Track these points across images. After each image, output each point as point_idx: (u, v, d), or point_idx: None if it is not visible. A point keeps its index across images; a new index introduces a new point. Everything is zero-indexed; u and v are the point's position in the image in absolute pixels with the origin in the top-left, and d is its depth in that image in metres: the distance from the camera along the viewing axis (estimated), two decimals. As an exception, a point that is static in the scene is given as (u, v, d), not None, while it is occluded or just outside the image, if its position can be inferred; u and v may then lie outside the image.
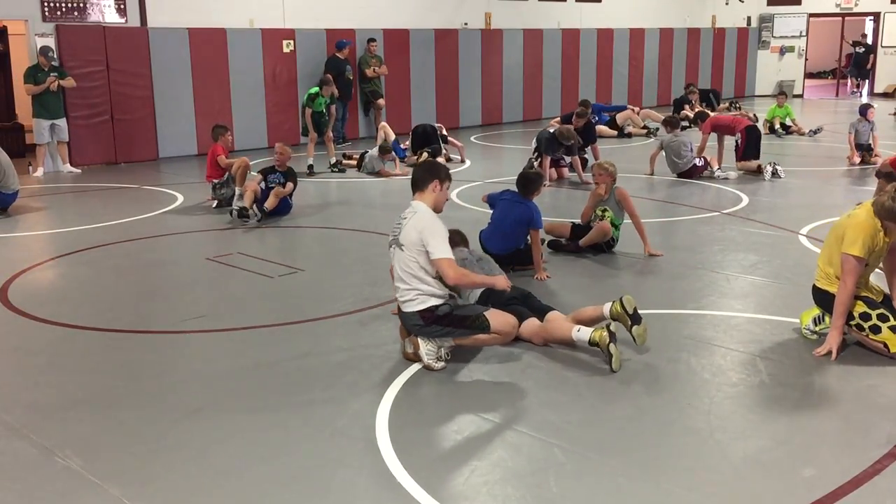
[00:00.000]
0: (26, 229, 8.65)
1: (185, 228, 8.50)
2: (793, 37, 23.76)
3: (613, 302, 4.97)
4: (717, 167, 11.14)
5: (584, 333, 4.82)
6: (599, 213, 7.19)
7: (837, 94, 24.39)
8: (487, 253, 6.35)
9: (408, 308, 4.78)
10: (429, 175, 4.89)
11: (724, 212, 8.96)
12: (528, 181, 6.67)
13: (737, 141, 11.52)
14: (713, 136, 11.71)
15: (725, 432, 3.98)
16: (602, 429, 4.00)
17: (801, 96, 23.66)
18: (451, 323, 4.77)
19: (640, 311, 4.95)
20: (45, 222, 8.92)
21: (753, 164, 11.23)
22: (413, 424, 4.06)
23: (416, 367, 4.73)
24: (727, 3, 22.34)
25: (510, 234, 6.57)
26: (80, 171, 12.14)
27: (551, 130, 10.77)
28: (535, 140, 11.15)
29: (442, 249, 4.68)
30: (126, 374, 4.75)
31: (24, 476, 3.63)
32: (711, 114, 14.57)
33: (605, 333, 4.71)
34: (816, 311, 5.15)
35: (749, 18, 23.65)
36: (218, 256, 7.30)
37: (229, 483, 3.55)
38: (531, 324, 5.05)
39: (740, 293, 6.19)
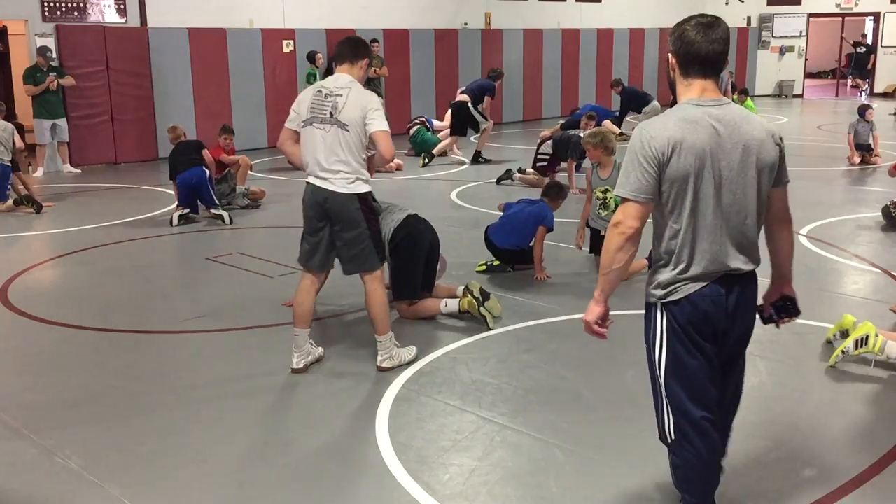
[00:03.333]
0: (26, 229, 8.65)
1: (185, 228, 8.49)
2: (793, 37, 23.75)
3: (465, 288, 5.42)
4: None
5: (452, 305, 5.25)
6: (600, 194, 6.66)
7: (837, 94, 24.39)
8: (491, 246, 6.56)
9: (350, 189, 4.44)
10: (362, 49, 4.63)
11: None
12: (557, 188, 6.67)
13: None
14: None
15: (725, 432, 3.97)
16: (602, 429, 4.00)
17: (801, 96, 23.66)
18: (373, 213, 4.61)
19: (637, 312, 4.96)
20: (45, 222, 8.91)
21: None
22: (413, 424, 4.06)
23: (416, 366, 4.73)
24: (727, 3, 22.35)
25: (521, 230, 6.47)
26: (79, 171, 12.14)
27: (579, 133, 10.59)
28: (549, 144, 10.65)
29: (384, 122, 4.46)
30: (126, 374, 4.74)
31: (25, 476, 3.62)
32: None
33: (472, 300, 5.17)
34: (844, 325, 4.84)
35: (749, 18, 23.64)
36: (217, 256, 7.30)
37: (229, 483, 3.55)
38: (401, 305, 5.40)
39: (740, 293, 6.17)
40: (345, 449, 3.84)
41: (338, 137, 4.41)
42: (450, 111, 12.79)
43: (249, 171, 9.93)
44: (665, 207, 2.75)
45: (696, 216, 2.72)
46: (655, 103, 15.73)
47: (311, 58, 13.20)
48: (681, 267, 2.77)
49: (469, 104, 12.25)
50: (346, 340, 5.25)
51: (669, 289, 2.80)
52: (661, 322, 2.84)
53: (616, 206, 6.40)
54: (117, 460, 3.75)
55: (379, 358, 4.70)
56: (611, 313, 3.00)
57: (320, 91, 4.50)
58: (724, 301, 2.77)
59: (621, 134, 14.72)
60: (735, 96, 15.91)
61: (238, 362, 4.90)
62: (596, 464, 3.65)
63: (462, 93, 12.63)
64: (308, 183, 4.56)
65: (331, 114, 4.41)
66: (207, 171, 8.79)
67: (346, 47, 4.60)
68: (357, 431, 3.99)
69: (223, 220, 8.58)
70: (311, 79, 12.82)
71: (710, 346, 2.83)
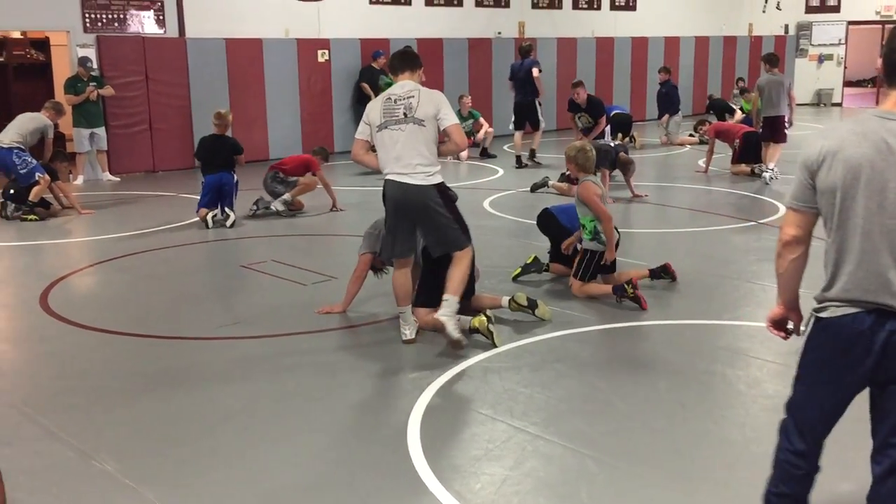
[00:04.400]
0: (66, 236, 8.80)
1: (220, 236, 8.59)
2: (831, 45, 23.43)
3: (510, 300, 5.56)
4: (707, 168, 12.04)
5: (464, 321, 5.21)
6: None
7: (877, 103, 23.99)
8: (551, 219, 6.61)
9: (428, 181, 4.91)
10: (418, 60, 5.20)
11: (761, 221, 8.85)
12: None
13: (734, 146, 12.01)
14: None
15: (761, 444, 3.91)
16: (635, 439, 3.97)
17: (840, 105, 23.33)
18: (450, 200, 5.07)
19: (671, 322, 4.95)
20: (84, 229, 9.07)
21: (746, 168, 11.69)
22: (445, 432, 4.06)
23: (448, 374, 4.73)
24: (764, 11, 22.14)
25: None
26: (118, 179, 12.33)
27: (610, 143, 10.72)
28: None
29: (455, 117, 5.03)
30: (161, 379, 4.80)
31: (61, 479, 3.68)
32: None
33: (483, 318, 5.15)
34: None
35: (787, 26, 23.38)
36: (252, 264, 7.36)
37: (262, 488, 3.57)
38: (420, 312, 5.37)
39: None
40: (376, 456, 3.84)
41: (415, 133, 4.89)
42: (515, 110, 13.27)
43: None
44: (823, 219, 2.64)
45: (843, 235, 2.53)
46: (677, 118, 15.51)
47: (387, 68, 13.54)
48: (826, 285, 2.62)
49: (536, 101, 12.86)
50: (380, 348, 5.26)
51: (819, 305, 2.66)
52: (809, 334, 2.74)
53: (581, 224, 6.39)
54: (152, 464, 3.79)
55: (441, 310, 4.96)
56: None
57: (389, 98, 5.00)
58: (869, 336, 2.50)
59: (632, 139, 14.54)
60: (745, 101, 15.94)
61: (271, 369, 4.94)
62: (629, 475, 3.62)
63: (518, 91, 12.99)
64: (388, 180, 4.99)
65: (405, 114, 4.91)
66: (235, 177, 9.12)
67: (406, 60, 5.15)
68: (389, 439, 4.00)
69: (227, 222, 8.85)
70: (385, 87, 13.26)
71: (845, 378, 2.65)
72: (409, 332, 5.25)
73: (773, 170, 11.08)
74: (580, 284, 6.18)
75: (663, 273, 6.38)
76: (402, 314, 5.27)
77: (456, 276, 5.04)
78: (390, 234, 5.14)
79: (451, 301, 4.99)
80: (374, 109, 5.04)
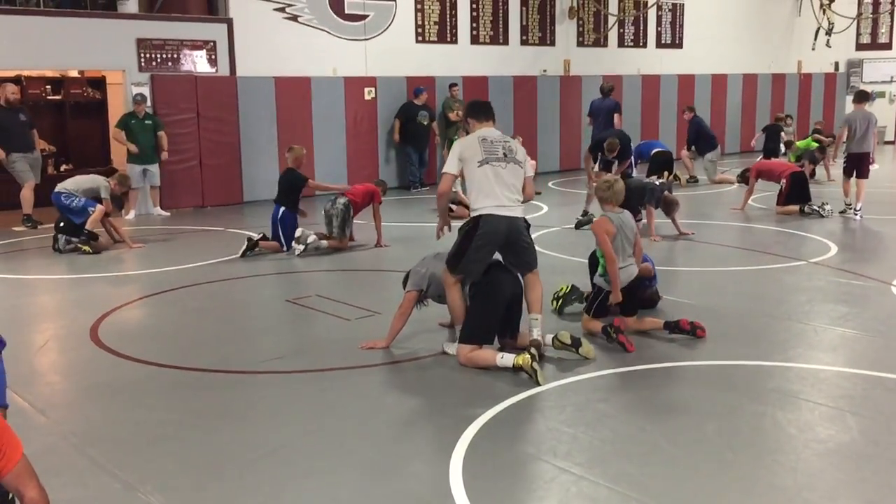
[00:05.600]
0: (117, 269, 8.97)
1: (267, 270, 8.68)
2: (883, 82, 23.09)
3: (553, 338, 5.57)
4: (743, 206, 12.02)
5: (507, 360, 5.21)
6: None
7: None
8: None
9: (522, 213, 5.56)
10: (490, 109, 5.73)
11: (812, 261, 8.68)
12: None
13: (781, 186, 11.81)
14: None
15: (814, 491, 3.81)
16: (681, 483, 3.88)
17: (892, 143, 22.91)
18: (528, 227, 5.73)
19: (719, 362, 4.87)
20: (134, 263, 9.24)
21: (793, 208, 11.48)
22: (488, 471, 4.02)
23: (491, 413, 4.69)
24: (813, 49, 21.94)
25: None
26: (169, 213, 12.58)
27: (655, 181, 10.70)
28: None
29: (531, 170, 5.75)
30: (206, 412, 4.84)
31: (107, 510, 3.71)
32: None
33: (528, 356, 5.13)
34: None
35: (837, 64, 23.12)
36: (297, 298, 7.42)
37: (303, 525, 3.56)
38: (464, 348, 5.45)
39: (829, 346, 5.96)
40: (418, 495, 3.81)
41: (515, 172, 5.52)
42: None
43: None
44: None
45: None
46: (711, 156, 15.19)
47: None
48: None
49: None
50: (423, 384, 5.25)
51: None
52: None
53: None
54: (196, 497, 3.81)
55: (535, 331, 5.52)
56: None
57: (485, 139, 5.54)
58: None
59: (676, 177, 14.29)
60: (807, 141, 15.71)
61: (314, 404, 4.95)
62: (675, 519, 3.54)
63: (596, 128, 13.30)
64: (492, 215, 5.42)
65: (505, 154, 5.50)
66: (282, 210, 9.54)
67: (490, 111, 5.71)
68: (431, 478, 3.97)
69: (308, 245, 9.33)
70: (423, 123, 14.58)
71: None
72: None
73: (858, 209, 10.99)
74: (587, 319, 6.16)
75: (677, 329, 5.96)
76: (452, 330, 5.75)
77: (536, 297, 5.62)
78: (476, 261, 5.45)
79: (539, 319, 5.60)
80: (470, 147, 5.50)
